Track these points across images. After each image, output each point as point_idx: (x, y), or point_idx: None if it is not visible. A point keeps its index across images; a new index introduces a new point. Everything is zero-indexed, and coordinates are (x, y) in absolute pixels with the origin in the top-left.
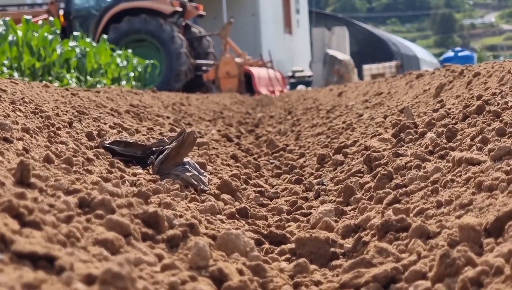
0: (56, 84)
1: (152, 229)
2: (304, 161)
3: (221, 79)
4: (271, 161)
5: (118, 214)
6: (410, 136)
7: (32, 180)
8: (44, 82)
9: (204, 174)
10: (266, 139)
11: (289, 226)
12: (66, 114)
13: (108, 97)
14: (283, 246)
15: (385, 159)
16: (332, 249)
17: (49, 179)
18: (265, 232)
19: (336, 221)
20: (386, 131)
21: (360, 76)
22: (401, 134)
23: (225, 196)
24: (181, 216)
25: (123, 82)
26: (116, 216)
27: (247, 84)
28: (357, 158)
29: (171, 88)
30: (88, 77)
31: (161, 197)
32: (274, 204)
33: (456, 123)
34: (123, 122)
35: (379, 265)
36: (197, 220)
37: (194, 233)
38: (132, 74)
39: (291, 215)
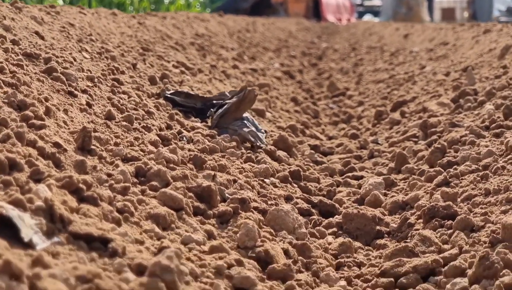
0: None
1: (204, 203)
2: (362, 111)
3: (289, 2)
4: (330, 106)
5: (172, 187)
6: (469, 104)
7: (93, 146)
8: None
9: (262, 130)
10: (328, 76)
11: (339, 192)
12: (131, 52)
13: (174, 24)
14: (331, 219)
15: (441, 127)
16: (378, 227)
17: (109, 142)
18: (315, 201)
19: (385, 195)
20: (446, 92)
21: (431, 9)
22: (460, 100)
23: (281, 153)
24: (234, 181)
25: None
26: (170, 190)
27: (315, 9)
28: (414, 120)
29: (238, 8)
30: None
31: (217, 158)
32: (328, 162)
33: None
34: (186, 58)
35: (421, 255)
36: (250, 186)
37: (245, 208)
38: None
39: (343, 176)
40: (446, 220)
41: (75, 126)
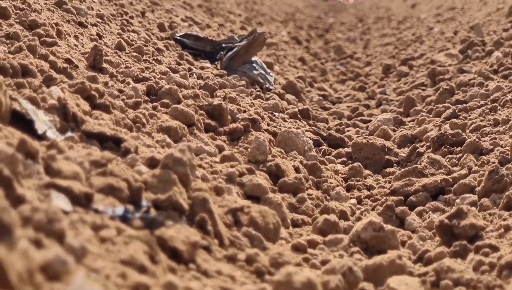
0: None
1: (215, 121)
2: (370, 70)
3: None
4: (337, 66)
5: (183, 104)
6: (477, 54)
7: (104, 65)
8: None
9: (271, 73)
10: (334, 45)
11: (348, 131)
12: (140, 3)
13: None
14: (340, 149)
15: (450, 74)
16: (387, 157)
17: (120, 65)
18: (325, 134)
19: (394, 131)
20: (454, 46)
21: None
22: (469, 50)
23: (289, 96)
24: (244, 111)
25: None
26: (181, 106)
27: None
28: (422, 72)
29: None
30: None
31: (227, 91)
32: (336, 108)
33: None
34: (195, 16)
35: (430, 176)
36: (260, 116)
37: (256, 128)
38: None
39: (352, 120)
40: (455, 147)
41: (86, 50)
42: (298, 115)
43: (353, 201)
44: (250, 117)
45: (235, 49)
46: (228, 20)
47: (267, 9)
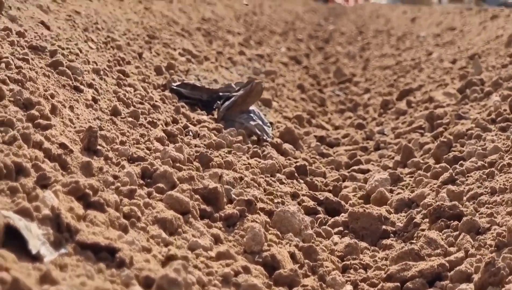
0: None
1: (210, 206)
2: (369, 99)
3: None
4: (336, 92)
5: (178, 189)
6: (475, 94)
7: (99, 146)
8: None
9: (268, 124)
10: (334, 60)
11: (345, 187)
12: (137, 40)
13: (180, 9)
14: (336, 218)
15: (447, 118)
16: (383, 227)
17: (115, 140)
18: (321, 198)
19: (391, 191)
20: (452, 81)
21: None
22: (467, 90)
23: (287, 146)
24: (241, 178)
25: None
26: (176, 193)
27: None
28: (420, 110)
29: None
30: None
31: (223, 155)
32: (334, 154)
33: None
34: (193, 44)
35: (427, 258)
36: (256, 183)
37: (252, 210)
38: None
39: (349, 170)
40: (452, 221)
41: (81, 124)
42: (295, 174)
43: (349, 287)
44: (246, 199)
45: (232, 99)
46: (227, 44)
47: (267, 20)
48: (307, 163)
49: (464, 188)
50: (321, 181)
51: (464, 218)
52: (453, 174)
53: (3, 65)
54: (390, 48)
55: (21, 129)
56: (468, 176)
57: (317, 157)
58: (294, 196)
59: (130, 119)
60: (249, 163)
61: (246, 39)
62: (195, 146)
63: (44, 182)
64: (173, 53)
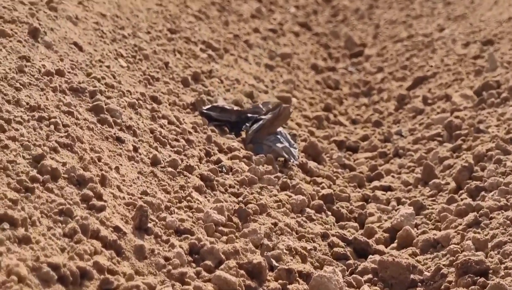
0: None
1: (254, 280)
2: (382, 80)
3: None
4: (349, 69)
5: (225, 266)
6: (492, 99)
7: (149, 225)
8: None
9: (294, 145)
10: (343, 18)
11: (370, 215)
12: (160, 38)
13: None
14: (366, 264)
15: (465, 128)
16: (412, 276)
17: (160, 207)
18: (350, 238)
19: (416, 226)
20: (468, 76)
21: None
22: (484, 92)
23: (311, 164)
24: (275, 224)
25: None
26: (224, 274)
27: None
28: (438, 111)
29: None
30: None
31: (257, 196)
32: (355, 162)
33: None
34: (211, 29)
35: None
36: (290, 229)
37: (291, 279)
38: None
39: (371, 186)
40: (479, 277)
41: (129, 191)
42: (323, 207)
43: None
44: (286, 269)
45: (260, 122)
46: (241, 19)
47: None
48: (332, 190)
49: (488, 233)
50: (346, 207)
51: (491, 282)
52: (477, 216)
53: (52, 127)
54: (400, 12)
55: (80, 220)
56: (491, 217)
57: (340, 171)
58: (324, 236)
59: (169, 169)
60: (280, 200)
61: (258, 9)
62: (230, 187)
63: (107, 287)
64: (194, 50)
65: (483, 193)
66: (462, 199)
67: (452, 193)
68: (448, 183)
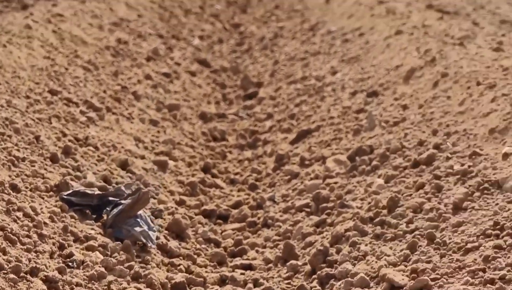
0: None
1: None
2: (270, 128)
3: None
4: (240, 114)
5: None
6: (364, 166)
7: None
8: None
9: (154, 228)
10: (247, 48)
11: None
12: (38, 103)
13: (92, 13)
14: None
15: (332, 201)
16: None
17: None
18: None
19: None
20: (346, 136)
21: None
22: (357, 157)
23: (172, 244)
24: None
25: None
26: None
27: None
28: (311, 177)
29: None
30: None
31: None
32: (221, 234)
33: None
34: (98, 81)
35: None
36: None
37: None
38: None
39: (232, 264)
40: None
41: None
42: None
43: None
44: None
45: (120, 207)
46: (135, 63)
47: None
48: (186, 275)
49: None
50: None
51: None
52: None
53: None
54: (301, 45)
55: None
56: None
57: (203, 247)
58: None
59: (11, 276)
60: None
61: (155, 50)
62: (77, 285)
63: None
64: (74, 113)
65: (332, 281)
66: (311, 288)
67: (307, 275)
68: (306, 264)
